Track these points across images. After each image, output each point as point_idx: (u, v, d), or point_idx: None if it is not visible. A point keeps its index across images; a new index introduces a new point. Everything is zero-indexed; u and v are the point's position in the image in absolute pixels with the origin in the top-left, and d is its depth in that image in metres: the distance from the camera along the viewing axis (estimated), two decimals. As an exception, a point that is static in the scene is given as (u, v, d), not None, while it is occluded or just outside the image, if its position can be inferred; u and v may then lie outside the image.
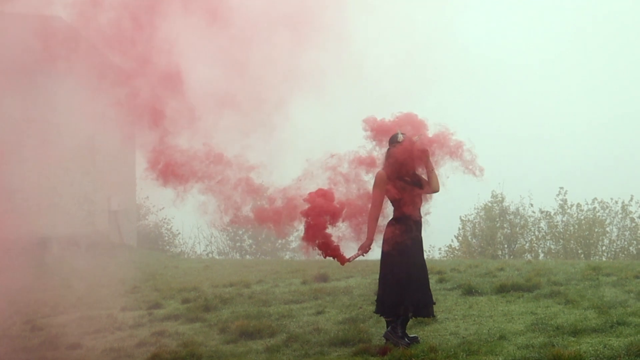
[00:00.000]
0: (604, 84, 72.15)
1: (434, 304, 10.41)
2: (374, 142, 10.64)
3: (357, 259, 10.46)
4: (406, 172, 10.25)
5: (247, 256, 38.75)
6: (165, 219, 38.09)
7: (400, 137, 10.23)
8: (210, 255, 38.75)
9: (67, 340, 11.90)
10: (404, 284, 10.08)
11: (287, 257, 39.82)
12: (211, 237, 39.82)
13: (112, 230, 31.47)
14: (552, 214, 32.25)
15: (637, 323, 10.20)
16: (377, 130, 10.59)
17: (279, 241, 40.82)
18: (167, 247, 37.97)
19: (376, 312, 10.42)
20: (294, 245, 41.65)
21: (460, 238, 32.30)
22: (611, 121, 66.55)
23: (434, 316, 10.42)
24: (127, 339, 11.91)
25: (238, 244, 40.05)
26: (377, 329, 11.10)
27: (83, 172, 29.23)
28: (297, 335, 11.01)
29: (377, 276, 16.82)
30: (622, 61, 74.22)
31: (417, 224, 10.33)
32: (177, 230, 39.22)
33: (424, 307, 10.18)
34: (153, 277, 20.06)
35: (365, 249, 10.28)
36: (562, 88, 72.86)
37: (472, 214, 32.26)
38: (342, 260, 10.40)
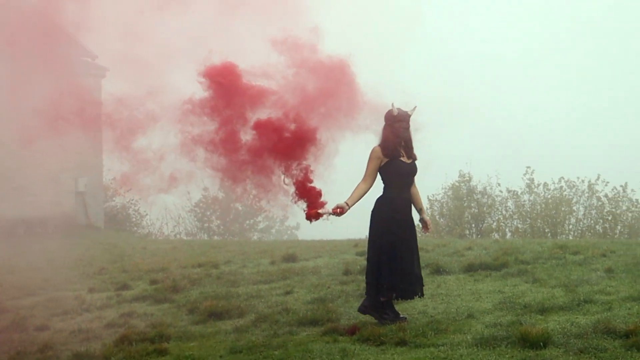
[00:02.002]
0: (570, 69, 72.57)
1: (423, 285, 10.36)
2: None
3: (325, 217, 10.33)
4: (402, 150, 10.20)
5: (215, 237, 38.69)
6: (132, 200, 37.90)
7: (396, 111, 10.13)
8: (178, 236, 38.66)
9: (35, 322, 11.83)
10: (385, 264, 10.03)
11: (255, 237, 39.82)
12: (179, 218, 39.76)
13: (79, 212, 31.27)
14: (519, 193, 32.36)
15: (604, 301, 10.28)
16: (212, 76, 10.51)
17: (247, 222, 40.83)
18: (135, 228, 37.78)
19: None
20: (262, 225, 41.68)
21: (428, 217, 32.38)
22: (578, 102, 67.01)
23: (421, 296, 10.36)
24: (95, 321, 11.85)
25: (206, 225, 40.00)
26: (346, 308, 11.11)
27: (49, 154, 28.99)
28: (266, 315, 11.00)
29: (345, 256, 16.93)
30: (592, 48, 74.66)
31: (408, 204, 10.26)
32: (145, 211, 39.07)
33: (405, 289, 10.11)
34: (121, 259, 19.97)
35: (337, 209, 10.00)
36: (531, 71, 73.22)
37: (440, 194, 32.31)
38: (311, 212, 10.31)
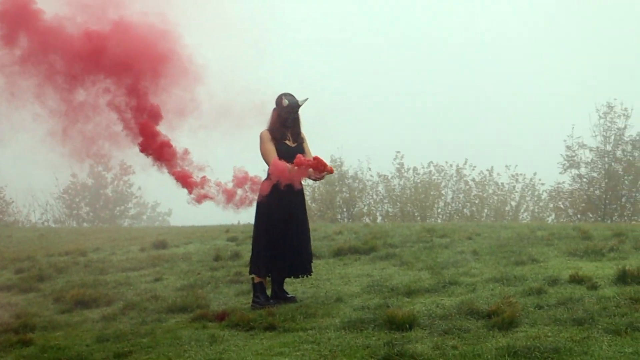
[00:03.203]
0: (440, 54, 73.84)
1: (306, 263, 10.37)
2: None
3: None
4: (288, 134, 10.19)
5: (85, 224, 38.11)
6: (-3, 187, 37.01)
7: (286, 102, 10.12)
8: (46, 223, 37.90)
9: None
10: (262, 243, 10.13)
11: (126, 224, 39.35)
12: (47, 205, 38.98)
13: (-60, 200, 30.30)
14: (389, 177, 32.88)
15: (468, 282, 10.52)
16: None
17: (118, 208, 40.32)
18: (0, 216, 36.87)
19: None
20: (133, 212, 41.21)
21: (300, 202, 32.50)
22: (445, 86, 68.25)
23: (301, 276, 10.42)
24: (-44, 313, 11.50)
25: (75, 212, 39.34)
26: (215, 294, 11.09)
27: None
28: (134, 303, 10.87)
29: (216, 242, 16.89)
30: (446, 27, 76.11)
31: (291, 186, 10.17)
32: (11, 198, 38.18)
33: (284, 268, 10.17)
34: (-16, 247, 19.45)
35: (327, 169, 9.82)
36: (400, 54, 74.13)
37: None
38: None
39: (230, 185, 9.75)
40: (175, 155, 9.58)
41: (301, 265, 10.26)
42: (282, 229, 10.12)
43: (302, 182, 10.48)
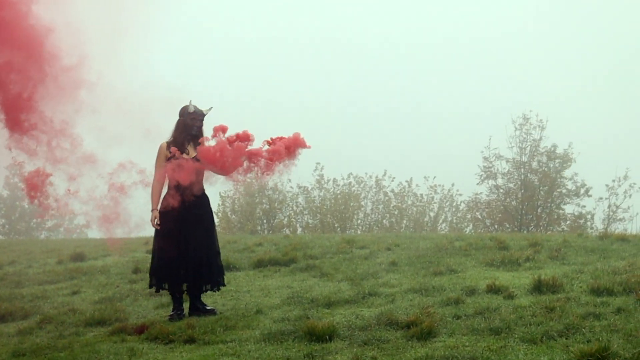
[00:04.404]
0: (361, 64, 74.34)
1: (212, 282, 10.32)
2: None
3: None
4: (189, 146, 10.06)
5: (0, 236, 37.44)
6: None
7: (192, 109, 10.02)
8: (-41, 236, 37.17)
9: None
10: (162, 258, 10.05)
11: (42, 236, 38.77)
12: (-40, 217, 38.25)
13: None
14: (309, 188, 32.96)
15: (387, 293, 10.61)
16: None
17: (34, 220, 39.72)
18: None
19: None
20: (50, 224, 40.64)
21: (219, 214, 32.47)
22: (363, 97, 68.76)
23: (216, 289, 10.39)
24: None
25: (-10, 224, 38.68)
26: (134, 307, 10.99)
27: None
28: (52, 316, 10.71)
29: (135, 254, 16.74)
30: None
31: (196, 198, 10.11)
32: None
33: (191, 281, 10.11)
34: None
35: (156, 225, 9.94)
36: (319, 62, 74.41)
37: (231, 190, 32.48)
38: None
39: (105, 201, 9.43)
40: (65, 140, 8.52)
41: (210, 278, 10.21)
42: (180, 240, 10.03)
43: (207, 194, 10.35)
